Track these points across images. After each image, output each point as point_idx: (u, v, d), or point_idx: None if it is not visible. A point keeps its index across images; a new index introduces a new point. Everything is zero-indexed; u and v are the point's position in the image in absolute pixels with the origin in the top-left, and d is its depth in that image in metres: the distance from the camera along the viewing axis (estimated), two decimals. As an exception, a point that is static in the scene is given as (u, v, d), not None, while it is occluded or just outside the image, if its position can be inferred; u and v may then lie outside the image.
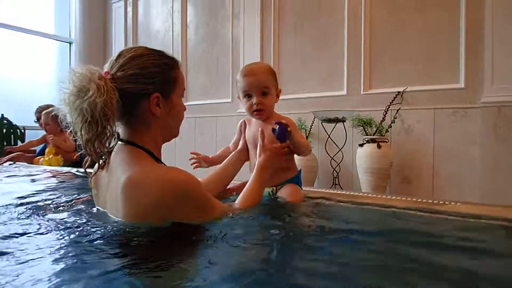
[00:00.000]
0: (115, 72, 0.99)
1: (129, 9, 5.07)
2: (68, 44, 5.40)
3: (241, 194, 1.21)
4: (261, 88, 1.31)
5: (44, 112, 3.09)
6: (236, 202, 1.18)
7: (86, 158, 0.96)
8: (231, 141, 1.50)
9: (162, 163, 1.10)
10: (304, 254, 0.77)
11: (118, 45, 5.16)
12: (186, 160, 1.54)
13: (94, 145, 0.92)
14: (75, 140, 2.99)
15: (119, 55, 1.03)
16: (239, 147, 1.43)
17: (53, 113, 3.00)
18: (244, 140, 1.43)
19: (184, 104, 1.17)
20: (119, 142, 1.06)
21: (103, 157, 0.98)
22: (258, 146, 1.28)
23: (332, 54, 3.38)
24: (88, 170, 1.01)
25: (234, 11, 4.05)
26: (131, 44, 5.01)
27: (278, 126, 1.24)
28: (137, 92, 1.00)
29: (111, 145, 1.01)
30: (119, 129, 1.06)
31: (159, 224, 0.94)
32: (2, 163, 2.91)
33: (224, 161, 1.42)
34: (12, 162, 2.88)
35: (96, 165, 1.00)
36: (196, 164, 1.45)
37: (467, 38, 2.74)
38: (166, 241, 0.90)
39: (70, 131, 0.95)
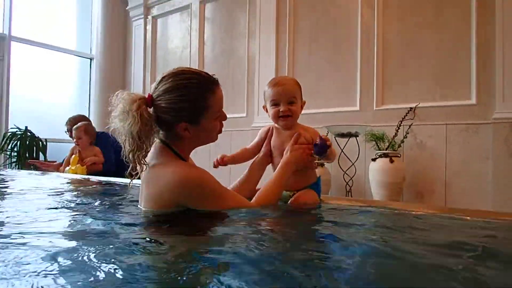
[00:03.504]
0: (156, 98, 1.19)
1: (149, 27, 5.26)
2: (89, 60, 5.61)
3: (259, 190, 1.33)
4: (288, 97, 1.40)
5: (74, 127, 3.18)
6: (254, 197, 1.30)
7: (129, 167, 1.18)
8: (250, 144, 1.56)
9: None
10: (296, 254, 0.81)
11: (137, 61, 5.34)
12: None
13: (134, 156, 1.15)
14: (104, 155, 3.10)
15: (161, 80, 1.21)
16: (262, 153, 1.50)
17: (83, 127, 3.11)
18: (268, 147, 1.50)
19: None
20: (158, 140, 1.26)
21: (143, 164, 1.19)
22: (288, 146, 1.39)
23: (345, 71, 3.47)
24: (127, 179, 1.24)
25: (250, 28, 4.18)
26: (149, 61, 5.19)
27: (320, 141, 1.33)
28: (168, 120, 1.20)
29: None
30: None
31: (173, 208, 1.17)
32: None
33: (249, 168, 1.50)
34: (46, 170, 2.99)
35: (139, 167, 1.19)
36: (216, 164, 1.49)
37: (478, 55, 2.81)
38: (178, 228, 1.09)
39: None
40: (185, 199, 1.18)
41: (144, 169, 1.19)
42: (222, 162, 1.47)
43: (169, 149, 1.24)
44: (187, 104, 1.18)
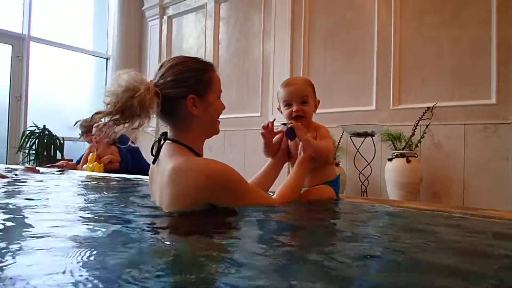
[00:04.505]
0: (158, 81, 1.18)
1: (164, 26, 5.31)
2: (105, 59, 5.68)
3: (280, 187, 1.34)
4: (300, 97, 1.41)
5: (96, 124, 3.21)
6: (275, 193, 1.31)
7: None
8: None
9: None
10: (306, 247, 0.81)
11: (152, 61, 5.39)
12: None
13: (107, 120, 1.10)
14: (121, 154, 3.12)
15: (161, 66, 1.22)
16: (280, 151, 1.53)
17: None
18: (286, 145, 1.51)
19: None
20: (167, 141, 1.23)
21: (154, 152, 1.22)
22: (301, 145, 1.40)
23: (361, 70, 3.44)
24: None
25: (265, 28, 4.18)
26: (164, 60, 5.23)
27: (286, 128, 1.38)
28: (175, 95, 1.17)
29: (160, 144, 1.22)
30: (167, 130, 1.25)
31: (199, 207, 1.12)
32: (52, 169, 3.09)
33: (266, 165, 1.52)
34: (61, 170, 3.03)
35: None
36: (264, 133, 1.49)
37: (499, 53, 2.76)
38: (196, 224, 1.06)
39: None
40: (211, 196, 1.13)
41: (156, 157, 1.22)
42: (271, 125, 1.47)
43: (181, 145, 1.21)
44: (193, 74, 1.20)
